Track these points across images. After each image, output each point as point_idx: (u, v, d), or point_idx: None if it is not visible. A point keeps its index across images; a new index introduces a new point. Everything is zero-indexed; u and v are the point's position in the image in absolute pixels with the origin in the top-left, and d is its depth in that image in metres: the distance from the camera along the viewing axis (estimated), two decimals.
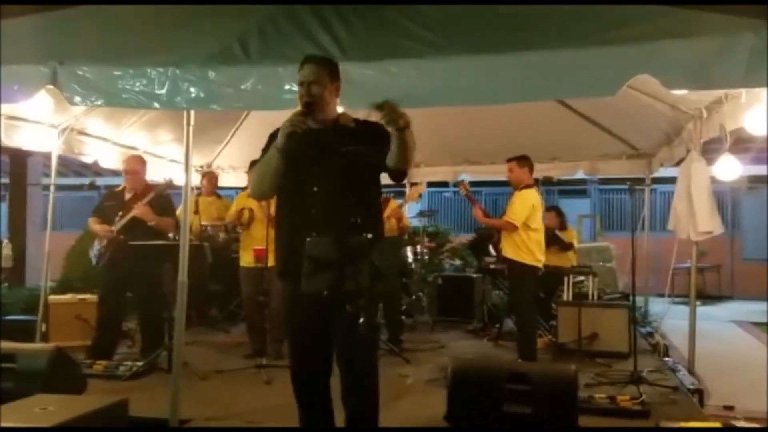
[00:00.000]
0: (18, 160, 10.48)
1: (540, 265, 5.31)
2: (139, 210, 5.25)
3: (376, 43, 3.68)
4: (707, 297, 11.68)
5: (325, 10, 3.88)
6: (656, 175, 7.82)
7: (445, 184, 10.88)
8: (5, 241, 7.50)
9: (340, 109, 3.19)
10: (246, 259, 5.65)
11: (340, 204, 2.84)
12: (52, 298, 6.07)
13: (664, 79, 3.12)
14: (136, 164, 5.65)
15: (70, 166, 12.60)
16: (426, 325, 7.13)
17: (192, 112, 3.89)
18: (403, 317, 7.15)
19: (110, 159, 6.79)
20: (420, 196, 6.54)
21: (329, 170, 2.88)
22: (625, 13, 3.31)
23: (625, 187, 4.91)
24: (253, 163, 3.09)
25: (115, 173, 7.49)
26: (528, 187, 5.39)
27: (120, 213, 5.35)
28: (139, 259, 5.13)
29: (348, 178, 2.87)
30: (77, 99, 3.72)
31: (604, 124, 7.21)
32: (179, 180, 7.89)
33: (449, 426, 3.53)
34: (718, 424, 3.05)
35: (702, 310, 7.44)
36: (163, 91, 3.63)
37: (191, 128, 3.91)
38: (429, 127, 7.63)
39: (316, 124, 2.94)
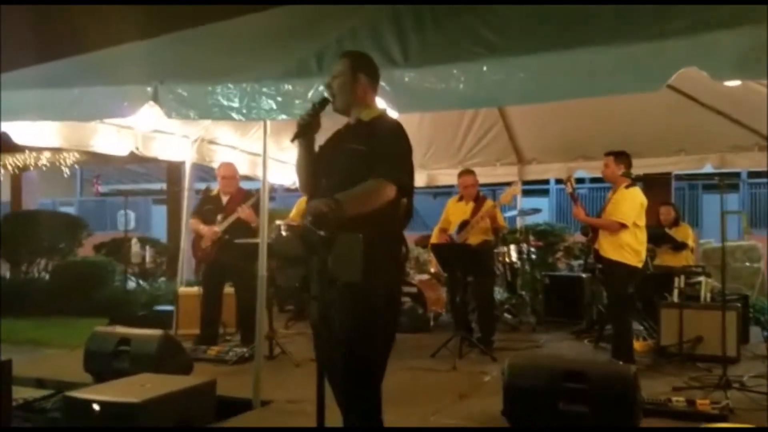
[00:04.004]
0: (173, 166, 11.65)
1: (641, 265, 5.17)
2: (244, 213, 5.79)
3: (441, 49, 3.82)
4: None
5: (405, 19, 4.06)
6: None
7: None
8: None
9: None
10: None
11: None
12: (182, 290, 6.74)
13: (711, 71, 3.00)
14: (232, 171, 6.25)
15: (210, 172, 13.73)
16: (529, 325, 7.06)
17: (268, 122, 4.28)
18: (508, 316, 7.16)
19: (239, 166, 7.33)
20: (514, 197, 6.48)
21: (332, 167, 2.87)
22: (670, 6, 3.21)
23: None
24: None
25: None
26: (632, 185, 5.26)
27: (221, 215, 5.93)
28: (241, 257, 5.64)
29: (347, 175, 2.76)
30: (174, 113, 4.22)
31: (731, 114, 6.76)
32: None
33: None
34: None
35: None
36: (244, 104, 4.03)
37: (267, 137, 4.31)
38: (541, 123, 7.59)
39: (340, 120, 2.96)
